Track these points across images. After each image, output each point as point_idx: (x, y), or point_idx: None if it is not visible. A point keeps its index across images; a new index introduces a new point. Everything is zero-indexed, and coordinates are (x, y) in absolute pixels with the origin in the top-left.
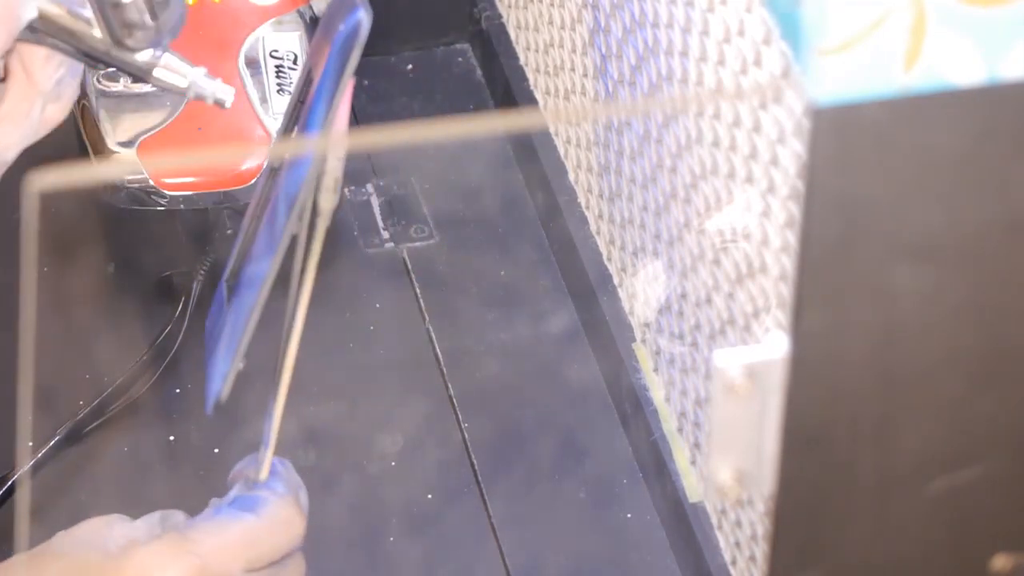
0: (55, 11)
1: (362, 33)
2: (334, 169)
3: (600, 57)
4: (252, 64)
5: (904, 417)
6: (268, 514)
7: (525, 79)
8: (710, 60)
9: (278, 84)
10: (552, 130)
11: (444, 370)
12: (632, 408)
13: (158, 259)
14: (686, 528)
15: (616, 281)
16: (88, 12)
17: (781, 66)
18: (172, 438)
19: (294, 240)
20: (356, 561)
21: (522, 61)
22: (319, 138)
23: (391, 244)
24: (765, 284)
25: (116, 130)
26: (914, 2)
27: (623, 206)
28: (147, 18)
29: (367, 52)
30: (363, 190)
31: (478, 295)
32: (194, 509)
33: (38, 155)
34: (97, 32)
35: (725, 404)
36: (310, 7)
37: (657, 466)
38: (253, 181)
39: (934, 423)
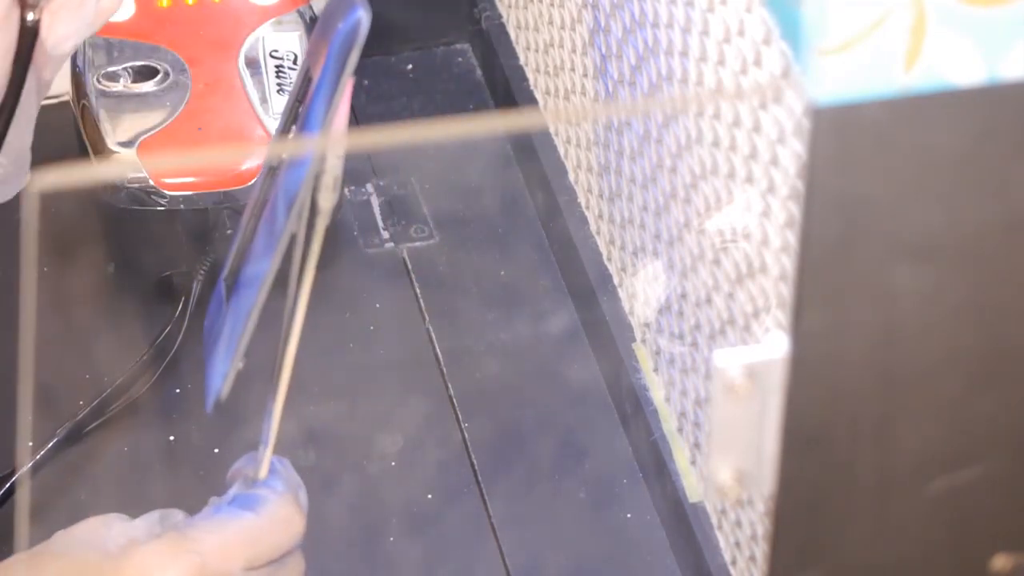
0: None
1: (361, 32)
2: (333, 168)
3: (600, 57)
4: (252, 64)
5: (904, 417)
6: (267, 512)
7: (525, 79)
8: (710, 60)
9: (278, 84)
10: (552, 130)
11: (444, 370)
12: (632, 408)
13: (158, 259)
14: (686, 528)
15: (616, 281)
16: None
17: (781, 66)
18: (172, 438)
19: (293, 239)
20: (356, 561)
21: (522, 61)
22: (318, 137)
23: (391, 244)
24: (765, 284)
25: (116, 130)
26: (914, 2)
27: (623, 206)
28: None
29: (367, 52)
30: (363, 190)
31: (478, 295)
32: (194, 509)
33: (38, 155)
34: None
35: (725, 404)
36: (310, 7)
37: (657, 466)
38: (253, 181)
39: (934, 423)
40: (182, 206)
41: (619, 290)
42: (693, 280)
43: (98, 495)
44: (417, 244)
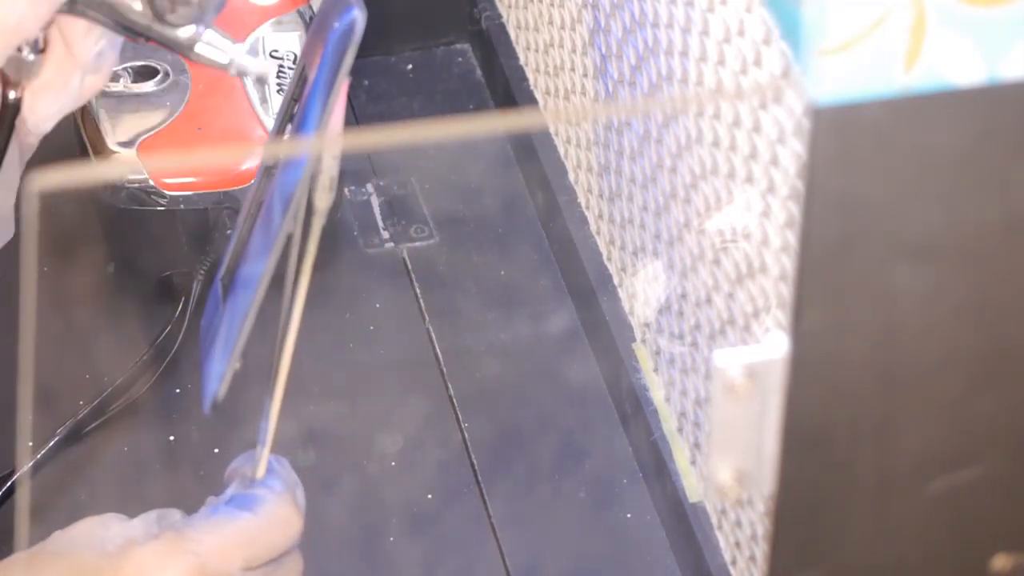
0: None
1: (357, 32)
2: (330, 168)
3: (600, 57)
4: None
5: (904, 417)
6: (265, 512)
7: (525, 79)
8: (710, 60)
9: (278, 84)
10: (552, 130)
11: (444, 370)
12: (632, 408)
13: (158, 259)
14: (686, 528)
15: (616, 281)
16: None
17: (781, 66)
18: (172, 438)
19: (290, 239)
20: (356, 561)
21: (522, 61)
22: (314, 137)
23: (391, 244)
24: (765, 284)
25: (116, 130)
26: (914, 2)
27: (623, 206)
28: None
29: (367, 52)
30: (363, 190)
31: (478, 295)
32: (194, 509)
33: (38, 155)
34: (138, 6)
35: (725, 404)
36: (310, 7)
37: (657, 466)
38: (252, 181)
39: (934, 423)
40: (182, 206)
41: (619, 290)
42: (693, 280)
43: (98, 495)
44: (417, 244)
